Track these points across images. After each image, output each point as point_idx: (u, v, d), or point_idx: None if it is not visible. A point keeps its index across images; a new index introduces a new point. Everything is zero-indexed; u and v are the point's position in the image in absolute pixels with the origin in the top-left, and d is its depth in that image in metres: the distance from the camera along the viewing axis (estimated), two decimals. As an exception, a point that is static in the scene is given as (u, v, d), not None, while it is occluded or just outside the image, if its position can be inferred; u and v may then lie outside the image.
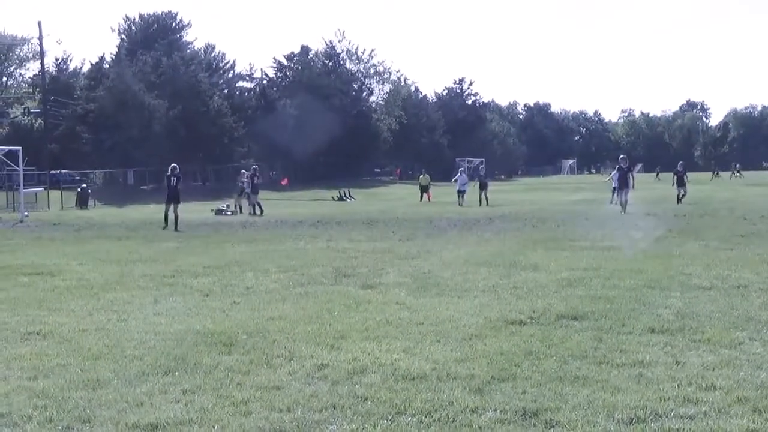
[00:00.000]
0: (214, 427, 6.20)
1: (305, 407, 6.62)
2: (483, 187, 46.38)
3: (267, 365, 8.04)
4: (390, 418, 6.33)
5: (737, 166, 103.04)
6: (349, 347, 8.72)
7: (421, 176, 58.14)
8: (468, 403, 6.64)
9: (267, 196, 68.59)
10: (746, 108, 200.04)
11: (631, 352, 8.29)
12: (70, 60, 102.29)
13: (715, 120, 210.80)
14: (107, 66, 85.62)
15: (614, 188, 35.32)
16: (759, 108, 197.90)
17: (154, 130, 75.43)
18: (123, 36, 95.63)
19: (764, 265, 14.95)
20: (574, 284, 12.95)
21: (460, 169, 51.83)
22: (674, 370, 7.59)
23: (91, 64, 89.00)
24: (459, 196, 45.88)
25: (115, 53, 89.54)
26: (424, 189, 54.56)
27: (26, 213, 41.90)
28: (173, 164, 30.99)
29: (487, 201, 44.76)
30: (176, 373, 7.76)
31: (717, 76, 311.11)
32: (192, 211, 39.86)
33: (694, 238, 20.58)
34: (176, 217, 29.26)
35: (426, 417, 6.33)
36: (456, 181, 47.77)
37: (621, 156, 36.60)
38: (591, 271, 14.52)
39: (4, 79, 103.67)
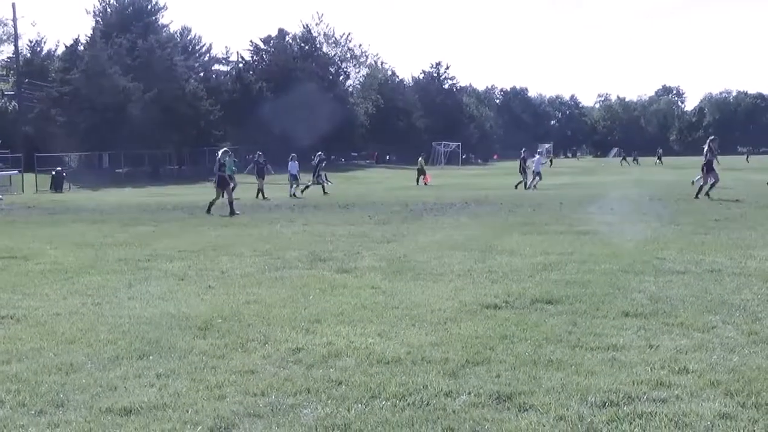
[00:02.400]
0: (188, 411, 6.18)
1: (280, 391, 6.62)
2: (524, 170, 45.33)
3: (242, 349, 8.03)
4: (364, 401, 6.34)
5: (659, 152, 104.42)
6: (324, 331, 8.71)
7: (420, 159, 59.83)
8: (442, 386, 6.65)
9: (243, 180, 68.57)
10: (721, 93, 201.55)
11: (605, 335, 8.32)
12: (45, 42, 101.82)
13: (690, 105, 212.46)
14: (82, 48, 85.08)
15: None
16: (734, 93, 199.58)
17: (129, 113, 74.98)
18: (98, 18, 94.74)
19: (738, 249, 15.02)
20: (549, 268, 12.98)
21: (538, 151, 51.01)
22: (647, 353, 7.62)
23: (66, 47, 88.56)
24: (534, 178, 45.25)
25: (90, 36, 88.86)
26: (420, 172, 54.97)
27: (0, 196, 41.61)
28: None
29: (523, 185, 43.77)
30: (150, 357, 7.74)
31: (693, 61, 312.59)
32: (169, 194, 39.67)
33: (668, 223, 20.66)
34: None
35: (400, 401, 6.34)
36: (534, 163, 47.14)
37: (712, 137, 34.28)
38: (566, 255, 14.55)
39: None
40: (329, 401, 6.36)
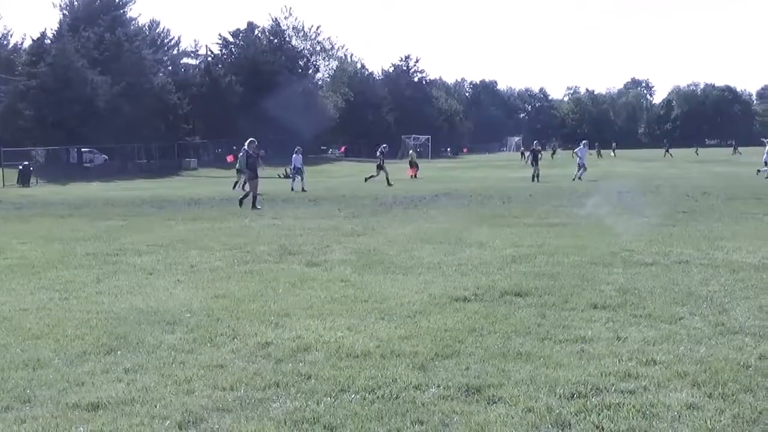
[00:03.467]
0: (156, 406, 6.15)
1: (248, 385, 6.60)
2: (536, 161, 44.45)
3: (210, 343, 8.00)
4: (333, 395, 6.33)
5: (613, 145, 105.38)
6: (293, 325, 8.70)
7: (411, 152, 61.54)
8: (411, 379, 6.66)
9: (212, 174, 68.39)
10: (689, 86, 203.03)
11: (573, 328, 8.36)
12: (11, 35, 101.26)
13: (659, 97, 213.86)
14: (49, 42, 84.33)
15: None
16: (701, 86, 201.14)
17: (97, 106, 74.48)
18: (65, 11, 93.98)
19: (705, 240, 15.14)
20: (518, 261, 13.02)
21: (584, 142, 49.90)
22: (615, 345, 7.66)
23: (33, 40, 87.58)
24: (580, 170, 44.34)
25: (56, 29, 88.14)
26: (412, 165, 54.91)
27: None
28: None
29: (538, 177, 42.82)
30: (118, 353, 7.70)
31: (661, 54, 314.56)
32: (138, 188, 39.46)
33: (637, 215, 20.79)
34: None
35: (369, 394, 6.33)
36: (576, 154, 46.28)
37: None
38: (535, 247, 14.60)
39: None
40: (298, 395, 6.35)
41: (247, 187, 28.25)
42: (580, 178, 42.78)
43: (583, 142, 49.22)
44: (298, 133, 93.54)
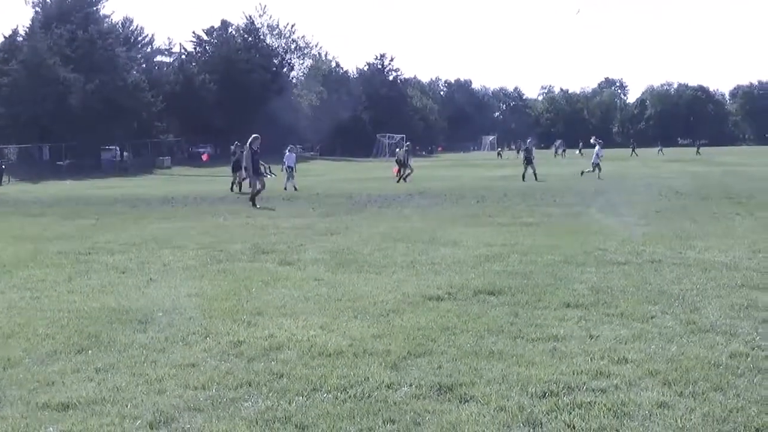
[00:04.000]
0: (127, 406, 6.11)
1: (220, 384, 6.57)
2: (529, 161, 43.27)
3: (182, 342, 7.96)
4: (305, 394, 6.32)
5: (558, 142, 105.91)
6: (265, 324, 8.67)
7: (398, 150, 60.29)
8: (384, 378, 6.65)
9: (187, 172, 68.14)
10: (663, 85, 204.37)
11: (546, 326, 8.38)
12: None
13: (632, 97, 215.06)
14: (21, 39, 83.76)
15: None
16: (675, 85, 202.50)
17: (70, 104, 74.07)
18: (37, 9, 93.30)
19: (678, 240, 15.21)
20: (492, 260, 13.03)
21: (599, 141, 49.14)
22: (588, 343, 7.69)
23: (5, 37, 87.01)
24: (595, 169, 43.91)
25: (29, 26, 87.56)
26: (400, 164, 54.52)
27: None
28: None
29: (535, 176, 41.96)
30: (89, 352, 7.65)
31: (635, 54, 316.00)
32: (111, 187, 39.25)
33: (610, 214, 20.87)
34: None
35: (341, 393, 6.32)
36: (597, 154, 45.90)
37: None
38: (509, 246, 14.63)
39: None
40: (270, 394, 6.33)
41: (253, 186, 28.09)
42: (599, 177, 42.42)
43: (599, 141, 48.94)
44: (272, 131, 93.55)
